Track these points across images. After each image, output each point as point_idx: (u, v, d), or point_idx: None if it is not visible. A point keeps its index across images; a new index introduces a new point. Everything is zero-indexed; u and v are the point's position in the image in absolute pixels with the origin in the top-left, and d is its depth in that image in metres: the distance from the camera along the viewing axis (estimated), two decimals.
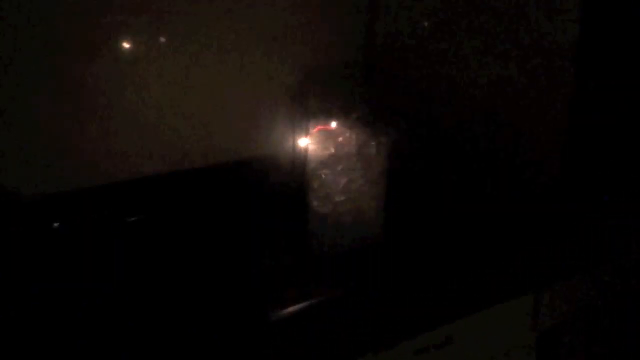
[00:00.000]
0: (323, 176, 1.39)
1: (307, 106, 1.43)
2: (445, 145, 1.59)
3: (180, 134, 1.39)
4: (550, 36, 1.41)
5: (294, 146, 1.45)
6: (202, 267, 1.17)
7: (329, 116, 1.41)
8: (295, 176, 1.44)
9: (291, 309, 1.06)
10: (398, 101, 1.54)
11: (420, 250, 1.36)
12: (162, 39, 1.28)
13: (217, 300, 1.05)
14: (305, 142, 1.41)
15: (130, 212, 1.27)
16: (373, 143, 1.40)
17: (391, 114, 1.45)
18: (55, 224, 1.20)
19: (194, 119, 1.41)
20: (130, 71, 1.24)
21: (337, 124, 1.40)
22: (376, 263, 1.31)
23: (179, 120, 1.38)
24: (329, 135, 1.40)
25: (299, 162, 1.42)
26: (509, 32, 1.49)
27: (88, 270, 1.11)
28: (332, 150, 1.39)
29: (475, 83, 1.58)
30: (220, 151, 1.47)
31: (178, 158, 1.39)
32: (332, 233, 1.40)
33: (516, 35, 1.48)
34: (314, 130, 1.40)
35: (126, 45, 1.22)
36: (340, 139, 1.40)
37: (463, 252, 1.37)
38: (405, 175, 1.52)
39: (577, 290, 1.39)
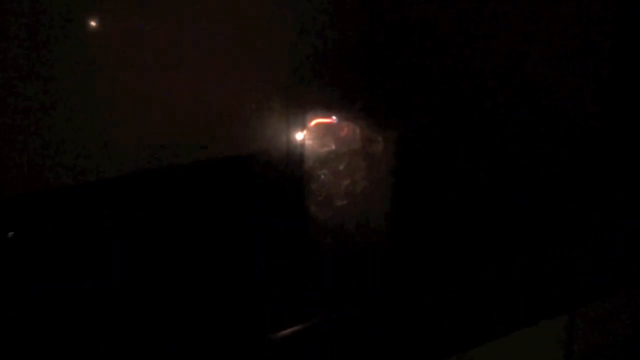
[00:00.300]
0: (322, 177, 1.28)
1: (303, 96, 1.35)
2: (463, 141, 1.47)
3: (159, 127, 1.37)
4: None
5: (288, 142, 1.36)
6: (183, 271, 1.16)
7: (329, 107, 1.31)
8: (290, 177, 1.35)
9: (286, 331, 1.03)
10: (409, 89, 1.44)
11: (434, 263, 1.25)
12: (144, 26, 1.27)
13: (203, 306, 1.05)
14: (301, 138, 1.32)
15: (111, 212, 1.28)
16: (380, 138, 1.29)
17: (401, 104, 1.38)
18: (10, 233, 1.19)
19: (173, 110, 1.39)
20: (111, 64, 1.24)
21: (338, 117, 1.30)
22: (383, 277, 1.21)
23: (158, 111, 1.37)
24: (328, 129, 1.29)
25: (294, 161, 1.33)
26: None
27: (72, 273, 1.12)
28: (332, 146, 1.28)
29: (497, 68, 1.47)
30: (202, 148, 1.43)
31: (156, 154, 1.37)
32: (333, 243, 1.29)
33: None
34: (311, 123, 1.30)
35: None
36: (342, 133, 1.29)
37: (484, 265, 1.27)
38: (417, 176, 1.41)
39: (618, 312, 1.24)
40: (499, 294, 1.26)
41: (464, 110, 1.49)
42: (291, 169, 1.34)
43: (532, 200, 1.39)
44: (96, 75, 1.23)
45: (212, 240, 1.29)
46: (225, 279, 1.16)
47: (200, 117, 1.43)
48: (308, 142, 1.30)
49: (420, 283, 1.22)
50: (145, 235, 1.28)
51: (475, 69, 1.47)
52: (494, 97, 1.47)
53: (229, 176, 1.45)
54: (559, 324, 1.32)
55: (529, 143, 1.46)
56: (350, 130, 1.29)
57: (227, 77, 1.43)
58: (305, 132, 1.31)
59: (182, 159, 1.40)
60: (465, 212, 1.36)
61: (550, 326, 1.31)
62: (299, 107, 1.34)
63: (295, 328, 1.04)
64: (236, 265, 1.22)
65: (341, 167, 1.28)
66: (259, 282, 1.16)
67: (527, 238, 1.31)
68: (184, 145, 1.40)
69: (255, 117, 1.45)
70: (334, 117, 1.30)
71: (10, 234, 1.18)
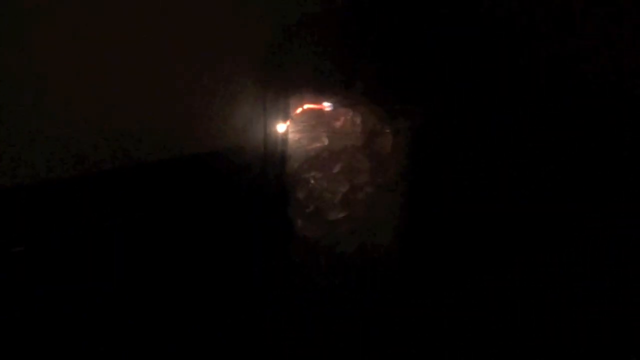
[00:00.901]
0: (312, 181, 1.08)
1: (285, 74, 1.11)
2: (496, 135, 1.19)
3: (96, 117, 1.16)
4: None
5: (266, 135, 1.12)
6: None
7: (320, 90, 1.09)
8: (268, 182, 1.11)
9: None
10: (427, 68, 1.14)
11: (462, 295, 1.06)
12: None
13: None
14: (283, 130, 1.09)
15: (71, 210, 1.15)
16: (388, 130, 1.08)
17: (417, 86, 1.10)
18: None
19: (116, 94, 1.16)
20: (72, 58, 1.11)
21: (333, 102, 1.08)
22: (394, 316, 1.03)
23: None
24: (319, 118, 1.08)
25: (274, 160, 1.11)
26: None
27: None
28: (325, 141, 1.07)
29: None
30: (154, 144, 1.18)
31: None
32: (327, 267, 1.08)
33: None
34: (297, 110, 1.09)
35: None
36: (338, 124, 1.07)
37: (525, 299, 1.09)
38: (435, 179, 1.14)
39: None
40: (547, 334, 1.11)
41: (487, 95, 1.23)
42: (270, 171, 1.11)
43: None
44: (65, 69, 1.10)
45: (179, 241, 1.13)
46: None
47: (154, 104, 1.18)
48: (293, 136, 1.08)
49: (448, 326, 1.02)
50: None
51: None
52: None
53: (192, 178, 1.20)
54: None
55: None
56: (349, 120, 1.07)
57: (186, 52, 1.17)
58: (288, 122, 1.09)
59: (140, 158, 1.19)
60: (496, 226, 1.12)
61: None
62: (280, 88, 1.11)
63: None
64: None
65: (337, 169, 1.06)
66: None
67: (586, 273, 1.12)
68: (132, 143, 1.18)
69: (221, 104, 1.19)
70: (326, 103, 1.08)
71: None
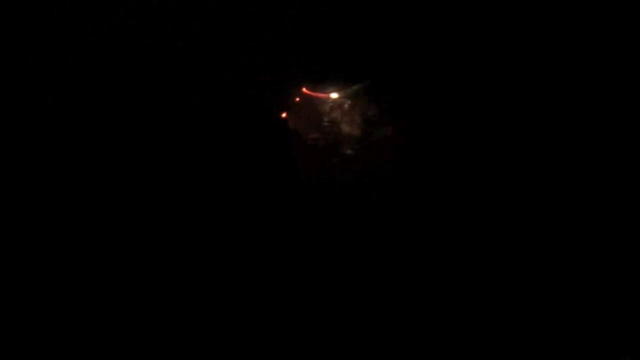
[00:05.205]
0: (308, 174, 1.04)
1: (286, 64, 1.04)
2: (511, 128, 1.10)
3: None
4: None
5: (264, 124, 1.05)
6: None
7: (321, 77, 1.03)
8: (263, 171, 1.04)
9: None
10: (431, 60, 1.07)
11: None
12: None
13: None
14: (282, 118, 1.04)
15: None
16: (388, 120, 1.02)
17: (423, 76, 1.02)
18: None
19: None
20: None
21: (332, 92, 1.03)
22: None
23: None
24: (317, 106, 1.03)
25: (269, 148, 1.04)
26: None
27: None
28: (322, 131, 1.02)
29: None
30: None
31: None
32: (329, 264, 1.04)
33: None
34: (296, 100, 1.03)
35: None
36: (335, 114, 1.02)
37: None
38: (443, 175, 1.06)
39: None
40: None
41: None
42: (264, 161, 1.06)
43: None
44: None
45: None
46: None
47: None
48: (291, 125, 1.04)
49: None
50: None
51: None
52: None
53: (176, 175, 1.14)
54: None
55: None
56: (347, 109, 1.02)
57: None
58: (287, 111, 1.04)
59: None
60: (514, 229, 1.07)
61: None
62: (280, 77, 1.05)
63: None
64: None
65: (335, 160, 1.02)
66: None
67: None
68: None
69: (215, 90, 1.11)
70: (327, 92, 1.03)
71: None
